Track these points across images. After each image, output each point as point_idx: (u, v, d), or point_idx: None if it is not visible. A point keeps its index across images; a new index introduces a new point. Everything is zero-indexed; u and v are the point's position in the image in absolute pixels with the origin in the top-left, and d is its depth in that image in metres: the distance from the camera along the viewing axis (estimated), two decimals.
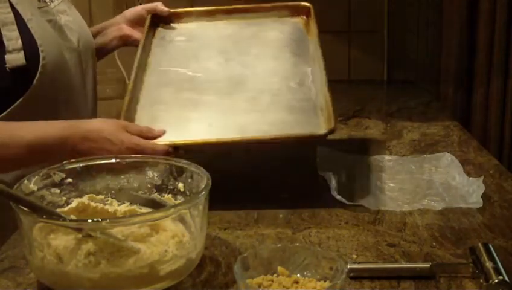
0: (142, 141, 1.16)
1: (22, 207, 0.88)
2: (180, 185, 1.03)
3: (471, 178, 1.25)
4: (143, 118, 1.25)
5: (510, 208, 1.16)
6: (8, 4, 1.21)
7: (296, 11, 1.57)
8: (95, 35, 1.56)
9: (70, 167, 1.04)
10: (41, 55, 1.22)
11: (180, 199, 1.03)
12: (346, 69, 2.18)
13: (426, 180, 1.28)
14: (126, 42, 1.58)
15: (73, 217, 0.97)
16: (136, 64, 1.37)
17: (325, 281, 0.85)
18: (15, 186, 0.93)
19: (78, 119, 1.23)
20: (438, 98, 2.02)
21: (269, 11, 1.59)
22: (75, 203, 1.01)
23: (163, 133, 1.19)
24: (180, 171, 1.03)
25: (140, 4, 2.12)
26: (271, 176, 1.33)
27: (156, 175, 1.06)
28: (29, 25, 1.23)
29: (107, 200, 1.05)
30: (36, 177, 0.98)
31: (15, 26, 1.20)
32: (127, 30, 1.56)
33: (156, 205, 1.04)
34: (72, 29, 1.36)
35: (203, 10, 1.59)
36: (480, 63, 1.94)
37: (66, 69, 1.31)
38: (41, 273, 0.90)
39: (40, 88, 1.22)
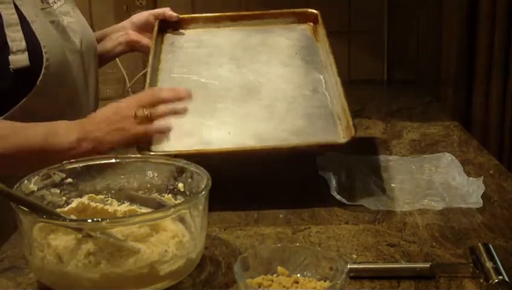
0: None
1: (22, 207, 0.88)
2: (180, 185, 1.03)
3: (471, 178, 1.25)
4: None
5: (510, 208, 1.16)
6: (12, 5, 1.22)
7: (303, 18, 1.57)
8: (101, 39, 1.56)
9: (70, 167, 1.04)
10: (45, 56, 1.22)
11: (180, 199, 1.03)
12: (346, 69, 2.18)
13: (426, 180, 1.28)
14: (133, 48, 1.58)
15: (73, 217, 0.97)
16: (149, 70, 1.36)
17: (325, 281, 0.85)
18: (15, 186, 0.93)
19: (80, 119, 1.23)
20: (438, 98, 2.02)
21: (276, 17, 1.59)
22: (75, 203, 1.01)
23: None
24: (180, 171, 1.03)
25: (141, 4, 2.14)
26: (271, 176, 1.33)
27: (156, 175, 1.06)
28: (33, 27, 1.23)
29: (107, 200, 1.05)
30: (36, 177, 0.98)
31: (19, 27, 1.21)
32: (134, 36, 1.56)
33: (156, 205, 1.04)
34: (74, 30, 1.36)
35: (210, 16, 1.59)
36: (480, 63, 1.94)
37: (68, 70, 1.31)
38: (41, 273, 0.90)
39: (43, 89, 1.22)
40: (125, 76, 2.12)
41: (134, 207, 1.04)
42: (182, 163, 1.03)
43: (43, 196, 0.99)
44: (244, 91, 1.35)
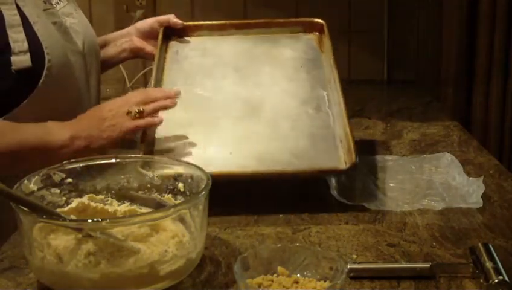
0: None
1: (22, 207, 0.88)
2: (180, 185, 1.03)
3: (471, 178, 1.25)
4: (160, 142, 1.24)
5: (510, 208, 1.16)
6: (14, 6, 1.22)
7: (309, 28, 1.56)
8: (105, 45, 1.56)
9: (70, 167, 1.04)
10: (47, 57, 1.23)
11: (180, 199, 1.03)
12: (346, 69, 2.18)
13: (426, 180, 1.28)
14: (137, 54, 1.58)
15: (73, 217, 0.97)
16: (152, 82, 1.36)
17: (325, 281, 0.85)
18: (15, 186, 0.93)
19: (83, 113, 1.24)
20: (438, 98, 2.02)
21: (282, 26, 1.58)
22: (75, 203, 1.01)
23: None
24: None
25: (141, 4, 2.14)
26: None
27: (156, 175, 1.06)
28: (35, 28, 1.23)
29: (107, 200, 1.05)
30: (36, 177, 0.98)
31: (21, 28, 1.21)
32: (138, 42, 1.56)
33: (156, 205, 1.04)
34: (77, 31, 1.36)
35: (214, 24, 1.58)
36: (480, 63, 1.94)
37: (70, 71, 1.31)
38: (41, 273, 0.90)
39: (45, 90, 1.23)
40: (125, 76, 2.12)
41: (134, 207, 1.04)
42: (182, 163, 1.03)
43: (43, 196, 0.99)
44: (247, 107, 1.34)
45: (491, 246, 0.95)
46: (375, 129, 1.64)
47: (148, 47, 1.55)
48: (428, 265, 0.93)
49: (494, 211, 1.15)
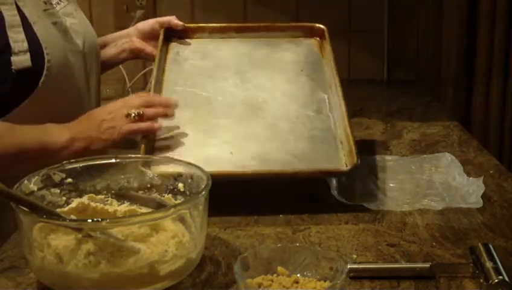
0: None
1: (22, 207, 0.88)
2: (180, 185, 1.03)
3: (471, 178, 1.25)
4: (161, 142, 1.24)
5: (510, 208, 1.16)
6: (14, 6, 1.22)
7: (310, 33, 1.56)
8: (105, 45, 1.56)
9: (70, 167, 1.04)
10: (46, 57, 1.23)
11: (180, 199, 1.03)
12: (346, 69, 2.18)
13: (426, 180, 1.28)
14: (137, 55, 1.58)
15: (73, 217, 0.97)
16: (153, 82, 1.36)
17: (325, 281, 0.85)
18: (15, 186, 0.93)
19: (82, 115, 1.24)
20: (438, 98, 2.02)
21: (282, 30, 1.57)
22: (75, 203, 1.01)
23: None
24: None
25: (141, 4, 2.14)
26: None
27: (156, 175, 1.06)
28: (35, 28, 1.23)
29: (107, 200, 1.05)
30: (36, 177, 0.98)
31: (21, 29, 1.21)
32: (138, 43, 1.56)
33: (156, 205, 1.04)
34: (77, 31, 1.36)
35: (216, 26, 1.57)
36: (480, 63, 1.94)
37: (70, 71, 1.31)
38: (41, 273, 0.90)
39: (45, 90, 1.23)
40: (125, 76, 2.12)
41: (134, 207, 1.04)
42: (182, 163, 1.03)
43: (43, 196, 0.99)
44: (248, 108, 1.34)
45: (491, 246, 0.95)
46: (375, 129, 1.64)
47: (148, 48, 1.55)
48: (428, 265, 0.93)
49: (494, 211, 1.15)
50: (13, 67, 1.19)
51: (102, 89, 1.53)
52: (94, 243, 0.87)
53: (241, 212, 1.14)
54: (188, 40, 1.55)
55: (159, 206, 1.03)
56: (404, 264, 0.97)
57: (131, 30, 1.59)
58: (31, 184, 0.97)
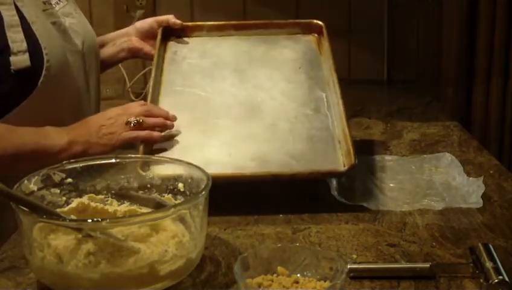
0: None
1: (22, 207, 0.88)
2: (180, 185, 1.03)
3: (471, 178, 1.25)
4: (160, 145, 1.24)
5: (510, 208, 1.16)
6: (13, 6, 1.22)
7: (308, 29, 1.56)
8: (104, 44, 1.56)
9: (70, 167, 1.04)
10: (45, 57, 1.23)
11: (180, 199, 1.03)
12: (346, 69, 2.18)
13: (426, 180, 1.28)
14: (135, 55, 1.58)
15: (73, 217, 0.97)
16: (151, 83, 1.36)
17: (325, 281, 0.85)
18: (15, 186, 0.93)
19: (82, 120, 1.24)
20: (438, 98, 2.02)
21: (281, 27, 1.57)
22: (75, 203, 1.01)
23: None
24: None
25: (141, 4, 2.14)
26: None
27: (155, 175, 1.06)
28: (34, 28, 1.23)
29: (107, 200, 1.05)
30: (36, 177, 0.98)
31: (20, 29, 1.21)
32: (137, 42, 1.56)
33: (156, 205, 1.04)
34: (76, 31, 1.36)
35: (214, 25, 1.57)
36: (480, 63, 1.94)
37: (69, 71, 1.31)
38: (41, 273, 0.90)
39: (44, 90, 1.23)
40: (125, 76, 2.12)
41: (134, 207, 1.04)
42: (182, 163, 1.03)
43: (43, 196, 0.99)
44: (246, 108, 1.34)
45: (491, 246, 0.95)
46: (375, 129, 1.64)
47: (147, 47, 1.55)
48: (428, 265, 0.93)
49: (494, 211, 1.15)
50: (12, 67, 1.19)
51: (102, 89, 1.53)
52: (94, 243, 0.87)
53: (241, 212, 1.14)
54: (186, 39, 1.55)
55: (159, 206, 1.03)
56: (404, 264, 0.97)
57: (129, 29, 1.59)
58: (31, 184, 0.97)
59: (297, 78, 1.43)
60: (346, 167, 1.17)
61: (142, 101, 1.31)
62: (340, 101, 1.30)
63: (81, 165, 1.04)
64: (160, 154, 1.21)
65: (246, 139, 1.26)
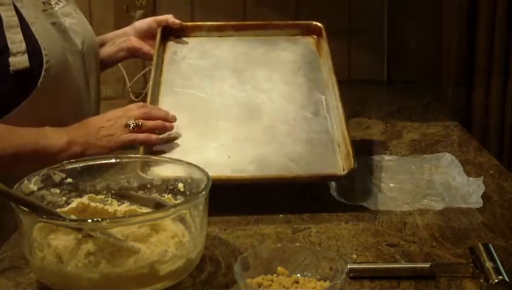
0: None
1: (22, 207, 0.88)
2: (180, 185, 1.03)
3: (471, 178, 1.25)
4: (160, 147, 1.24)
5: (510, 208, 1.16)
6: (12, 7, 1.22)
7: (307, 31, 1.55)
8: (103, 44, 1.56)
9: (70, 167, 1.04)
10: (45, 58, 1.23)
11: (180, 199, 1.03)
12: (346, 69, 2.18)
13: (426, 180, 1.28)
14: (134, 54, 1.58)
15: (73, 217, 0.97)
16: (151, 83, 1.36)
17: (325, 281, 0.85)
18: (15, 186, 0.93)
19: (82, 120, 1.24)
20: (438, 98, 2.02)
21: (280, 29, 1.57)
22: (75, 203, 1.01)
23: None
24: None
25: (141, 4, 2.14)
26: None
27: (155, 175, 1.06)
28: (33, 28, 1.23)
29: (107, 200, 1.05)
30: (36, 177, 0.98)
31: (19, 29, 1.21)
32: (136, 42, 1.56)
33: (156, 205, 1.04)
34: (76, 31, 1.36)
35: (213, 25, 1.57)
36: (480, 63, 1.94)
37: (69, 72, 1.31)
38: (41, 273, 0.90)
39: (43, 91, 1.23)
40: (125, 76, 2.12)
41: (134, 207, 1.04)
42: (183, 165, 1.03)
43: (43, 196, 0.99)
44: (245, 110, 1.34)
45: (491, 246, 0.95)
46: (375, 129, 1.64)
47: (146, 47, 1.55)
48: (428, 265, 0.93)
49: (494, 211, 1.15)
50: (11, 68, 1.19)
51: (102, 89, 1.53)
52: (94, 243, 0.87)
53: (241, 212, 1.14)
54: (185, 39, 1.55)
55: (159, 206, 1.03)
56: (404, 264, 0.97)
57: (128, 29, 1.59)
58: (31, 184, 0.97)
59: (296, 80, 1.42)
60: (345, 171, 1.17)
61: (142, 102, 1.30)
62: (340, 104, 1.30)
63: (81, 165, 1.04)
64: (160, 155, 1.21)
65: (244, 141, 1.26)
